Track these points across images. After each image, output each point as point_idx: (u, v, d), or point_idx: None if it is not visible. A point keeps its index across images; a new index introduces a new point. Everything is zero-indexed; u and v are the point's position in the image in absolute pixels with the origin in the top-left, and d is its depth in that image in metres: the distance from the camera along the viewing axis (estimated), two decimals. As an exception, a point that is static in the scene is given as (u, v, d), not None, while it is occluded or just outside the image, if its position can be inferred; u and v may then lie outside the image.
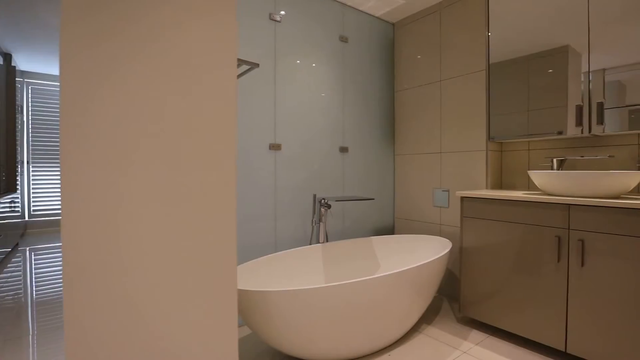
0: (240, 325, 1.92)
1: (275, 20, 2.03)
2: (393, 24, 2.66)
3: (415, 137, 2.53)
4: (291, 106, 2.11)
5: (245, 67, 1.77)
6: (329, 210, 2.26)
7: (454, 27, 2.27)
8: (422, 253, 2.23)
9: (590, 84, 1.68)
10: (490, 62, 2.07)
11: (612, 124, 1.63)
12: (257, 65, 1.15)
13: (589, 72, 1.68)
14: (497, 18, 2.03)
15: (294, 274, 1.93)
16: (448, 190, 2.31)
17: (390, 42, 2.66)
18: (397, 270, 1.53)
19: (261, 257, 1.80)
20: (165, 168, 0.85)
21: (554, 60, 1.80)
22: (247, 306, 1.38)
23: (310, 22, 2.20)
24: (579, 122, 1.72)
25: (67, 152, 0.74)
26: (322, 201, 2.05)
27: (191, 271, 0.89)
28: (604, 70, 1.64)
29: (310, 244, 2.06)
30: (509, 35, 1.98)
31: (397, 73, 2.64)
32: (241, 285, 1.64)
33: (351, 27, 2.41)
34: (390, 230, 2.67)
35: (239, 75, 1.28)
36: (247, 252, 1.93)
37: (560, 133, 1.79)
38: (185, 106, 0.87)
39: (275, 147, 2.02)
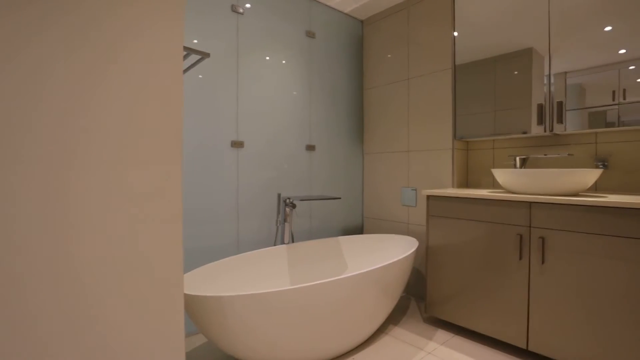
0: (194, 334, 1.82)
1: (238, 12, 1.94)
2: (362, 21, 2.63)
3: (383, 136, 2.50)
4: (254, 102, 2.02)
5: (196, 57, 1.68)
6: (294, 210, 2.19)
7: (422, 24, 2.25)
8: (390, 252, 2.20)
9: (552, 87, 1.70)
10: (457, 62, 2.07)
11: (573, 125, 1.65)
12: (208, 55, 1.07)
13: (550, 74, 1.70)
14: (463, 18, 2.03)
15: (257, 276, 1.85)
16: (416, 189, 2.29)
17: (359, 39, 2.62)
18: (363, 271, 1.49)
19: (222, 259, 1.71)
20: (104, 166, 0.76)
21: (519, 62, 1.81)
22: (203, 313, 1.30)
23: (275, 15, 2.12)
24: (541, 121, 1.74)
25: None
26: (287, 200, 1.98)
27: (124, 278, 0.80)
28: (565, 73, 1.66)
29: (275, 245, 1.99)
30: (475, 36, 1.98)
31: (366, 70, 2.61)
32: (198, 291, 1.55)
33: (318, 23, 2.36)
34: (359, 230, 2.63)
35: (190, 67, 1.19)
36: (207, 254, 1.84)
37: (524, 133, 1.80)
38: (121, 98, 0.78)
39: (237, 144, 1.93)
